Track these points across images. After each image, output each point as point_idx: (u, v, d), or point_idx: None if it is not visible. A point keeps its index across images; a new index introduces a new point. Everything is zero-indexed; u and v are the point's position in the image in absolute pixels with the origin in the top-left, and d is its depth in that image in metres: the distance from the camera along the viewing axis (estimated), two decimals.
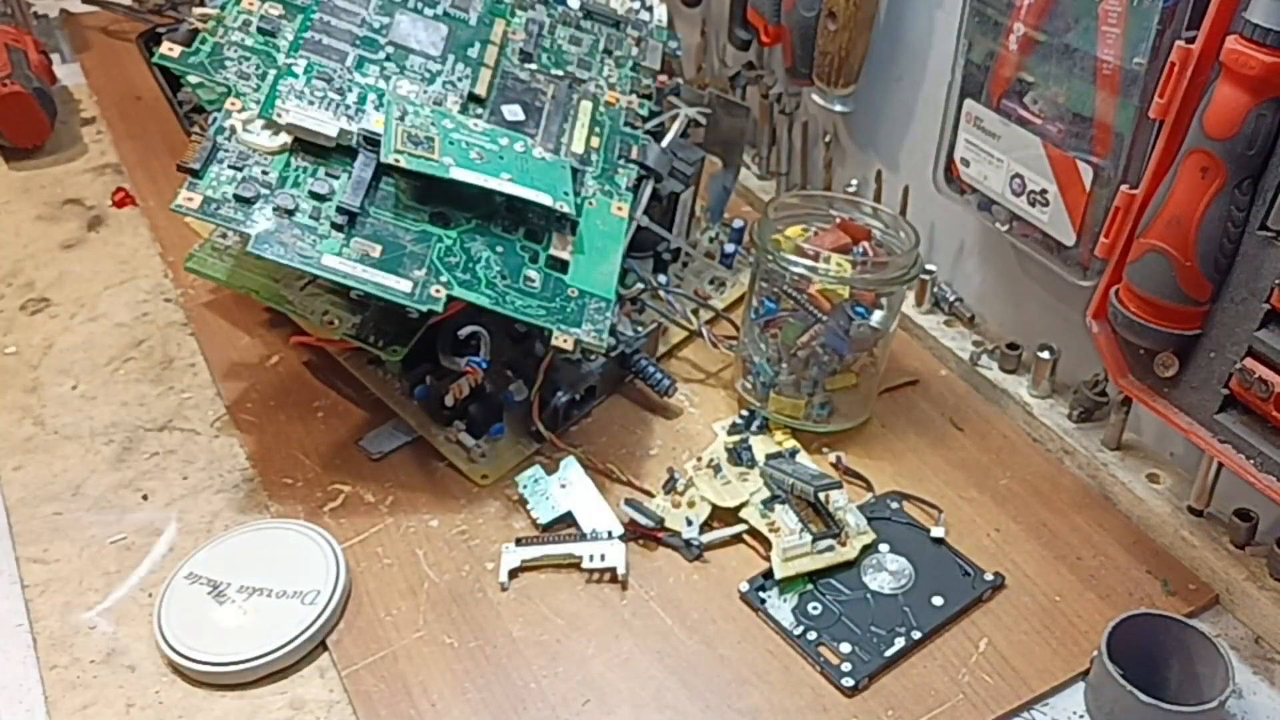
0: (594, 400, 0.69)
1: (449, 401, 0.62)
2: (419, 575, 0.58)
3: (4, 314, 0.76)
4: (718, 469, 0.63)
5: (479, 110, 0.66)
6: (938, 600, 0.57)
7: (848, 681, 0.53)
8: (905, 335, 0.76)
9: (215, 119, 0.59)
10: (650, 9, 0.76)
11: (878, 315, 0.65)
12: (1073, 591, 0.58)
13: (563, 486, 0.62)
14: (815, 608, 0.57)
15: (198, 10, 0.62)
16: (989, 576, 0.58)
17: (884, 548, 0.60)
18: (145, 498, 0.63)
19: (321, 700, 0.53)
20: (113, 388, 0.70)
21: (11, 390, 0.70)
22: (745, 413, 0.68)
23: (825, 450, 0.67)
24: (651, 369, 0.68)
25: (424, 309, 0.58)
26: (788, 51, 0.78)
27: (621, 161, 0.68)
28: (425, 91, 0.65)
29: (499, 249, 0.62)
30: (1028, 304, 0.71)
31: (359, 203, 0.59)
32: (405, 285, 0.58)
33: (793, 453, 0.65)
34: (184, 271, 0.67)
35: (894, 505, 0.63)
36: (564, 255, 0.63)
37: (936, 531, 0.61)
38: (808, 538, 0.59)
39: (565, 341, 0.60)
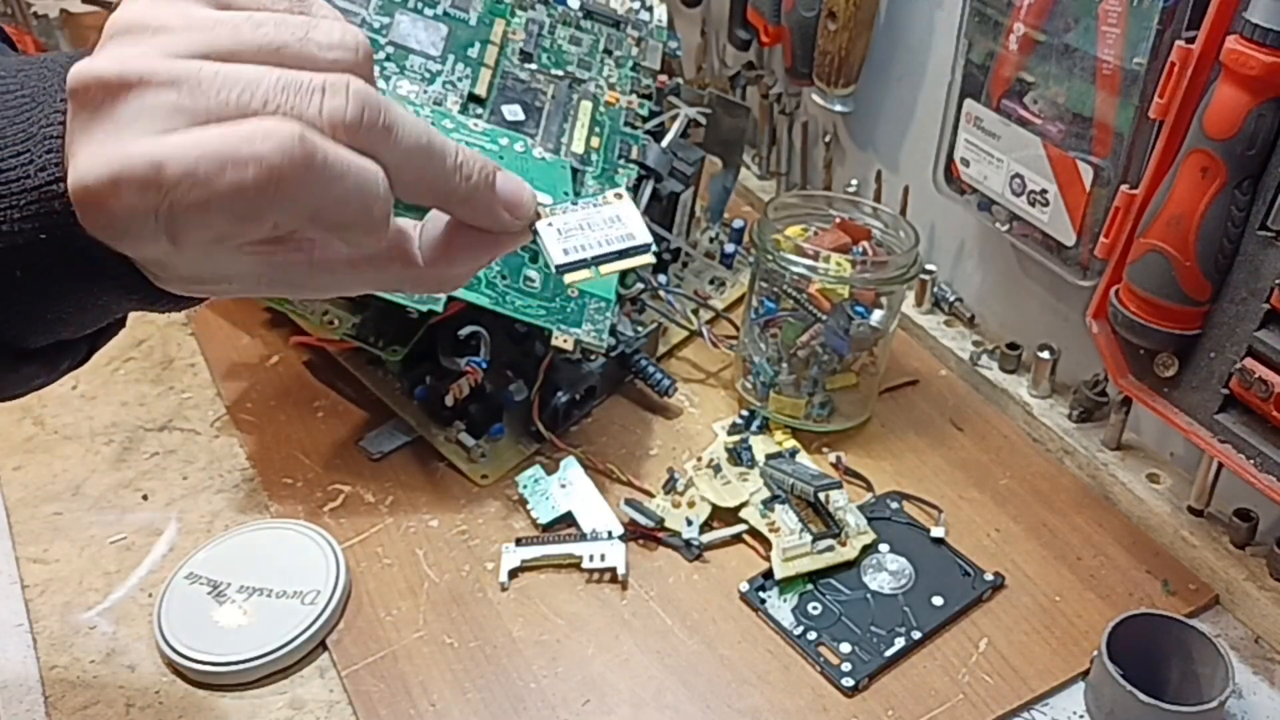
0: (594, 400, 0.69)
1: (449, 401, 0.62)
2: (419, 575, 0.58)
3: None
4: (718, 469, 0.63)
5: (479, 110, 0.66)
6: (938, 600, 0.57)
7: (848, 681, 0.53)
8: (905, 335, 0.76)
9: None
10: (650, 9, 0.76)
11: (877, 314, 0.65)
12: (1073, 591, 0.58)
13: (563, 486, 0.62)
14: (815, 608, 0.57)
15: None
16: (989, 576, 0.58)
17: (884, 548, 0.60)
18: (145, 498, 0.63)
19: (321, 700, 0.53)
20: (113, 387, 0.70)
21: None
22: (745, 413, 0.68)
23: (825, 450, 0.67)
24: (651, 369, 0.68)
25: (424, 309, 0.58)
26: (788, 51, 0.78)
27: (621, 161, 0.68)
28: (425, 91, 0.65)
29: None
30: (1028, 304, 0.71)
31: None
32: None
33: (793, 453, 0.65)
34: None
35: (894, 505, 0.63)
36: None
37: (936, 531, 0.61)
38: (808, 538, 0.59)
39: (565, 341, 0.60)
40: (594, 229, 0.36)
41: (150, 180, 0.28)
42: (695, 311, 0.73)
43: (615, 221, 0.37)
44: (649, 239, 0.36)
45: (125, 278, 0.32)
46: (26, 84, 0.31)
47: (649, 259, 0.36)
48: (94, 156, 0.28)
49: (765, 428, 0.67)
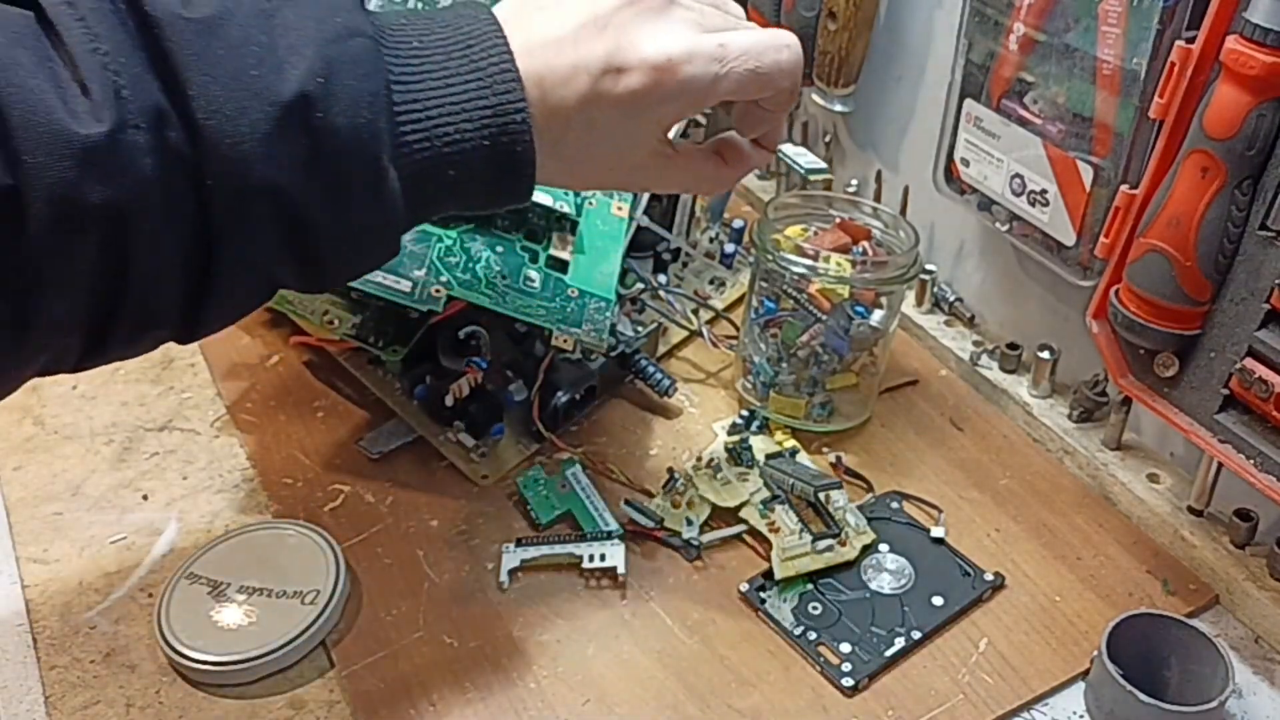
0: (594, 400, 0.69)
1: (449, 401, 0.62)
2: (419, 575, 0.58)
3: None
4: (718, 469, 0.63)
5: None
6: (938, 600, 0.57)
7: (848, 681, 0.53)
8: (905, 335, 0.76)
9: None
10: None
11: (878, 315, 0.65)
12: (1073, 591, 0.58)
13: (563, 486, 0.62)
14: (815, 608, 0.57)
15: None
16: (989, 576, 0.58)
17: (884, 548, 0.60)
18: (145, 498, 0.63)
19: (321, 700, 0.53)
20: (113, 387, 0.70)
21: None
22: (745, 413, 0.68)
23: (825, 450, 0.67)
24: (651, 369, 0.68)
25: (424, 309, 0.58)
26: None
27: None
28: None
29: (499, 249, 0.62)
30: (1028, 304, 0.71)
31: None
32: (405, 285, 0.58)
33: (793, 453, 0.65)
34: None
35: (894, 505, 0.63)
36: (564, 255, 0.63)
37: (936, 531, 0.61)
38: (808, 538, 0.59)
39: (565, 341, 0.60)
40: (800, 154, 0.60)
41: (717, 54, 0.44)
42: (695, 311, 0.73)
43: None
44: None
45: (526, 180, 0.43)
46: (458, 24, 0.41)
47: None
48: (671, 38, 0.43)
49: (765, 428, 0.67)
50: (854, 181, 0.80)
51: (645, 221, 0.70)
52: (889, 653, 0.54)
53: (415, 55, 0.40)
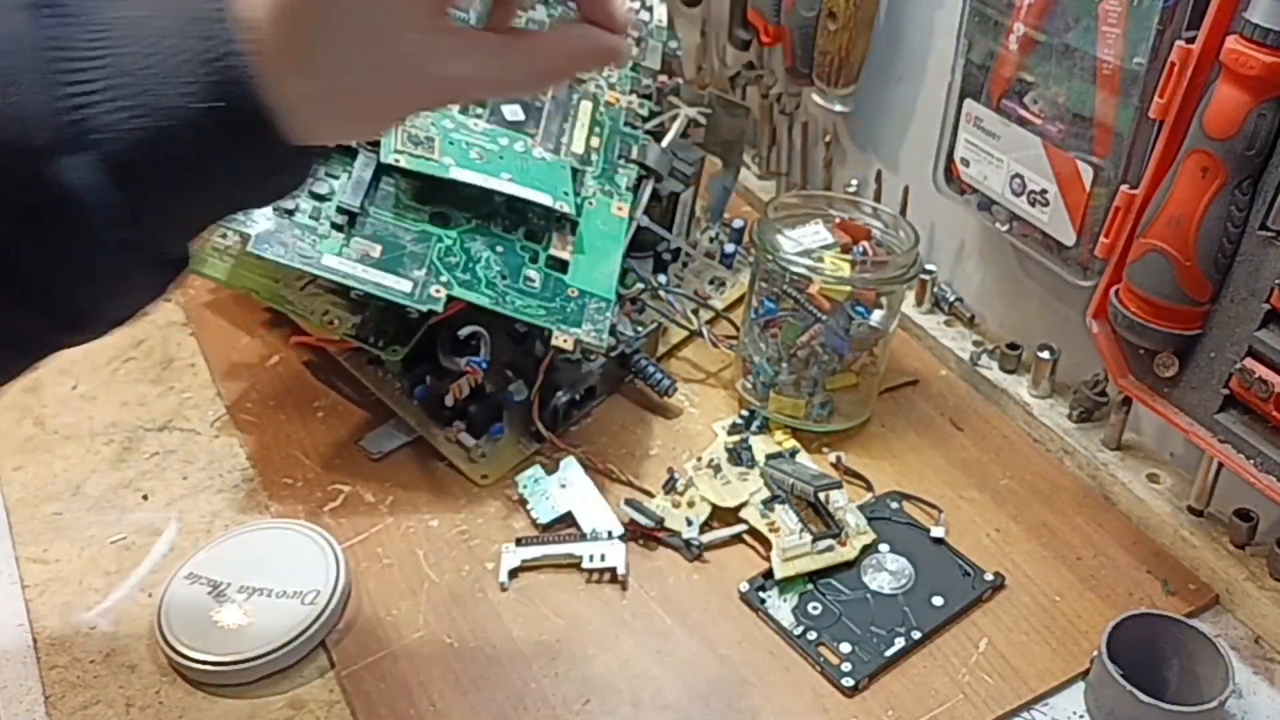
0: (594, 400, 0.69)
1: (449, 401, 0.62)
2: (419, 575, 0.58)
3: None
4: (718, 469, 0.63)
5: (479, 110, 0.66)
6: (938, 600, 0.57)
7: (848, 681, 0.53)
8: (905, 335, 0.76)
9: None
10: (650, 9, 0.76)
11: (878, 314, 0.65)
12: (1073, 591, 0.58)
13: (563, 486, 0.62)
14: (815, 608, 0.57)
15: None
16: (989, 576, 0.58)
17: (884, 548, 0.60)
18: (145, 498, 0.63)
19: (321, 700, 0.53)
20: (113, 387, 0.70)
21: (11, 390, 0.69)
22: (745, 413, 0.68)
23: (825, 450, 0.67)
24: (651, 369, 0.68)
25: (424, 309, 0.58)
26: (788, 51, 0.78)
27: (621, 161, 0.68)
28: None
29: (499, 249, 0.62)
30: (1028, 304, 0.71)
31: (359, 203, 0.59)
32: (405, 285, 0.58)
33: (793, 453, 0.65)
34: None
35: (894, 505, 0.63)
36: (564, 255, 0.63)
37: (936, 531, 0.61)
38: (808, 538, 0.59)
39: (565, 341, 0.60)
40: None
41: None
42: (695, 311, 0.73)
43: None
44: None
45: (274, 127, 0.33)
46: None
47: None
48: None
49: (765, 428, 0.67)
50: (854, 181, 0.80)
51: (645, 221, 0.70)
52: (889, 653, 0.54)
53: (89, 23, 0.32)
